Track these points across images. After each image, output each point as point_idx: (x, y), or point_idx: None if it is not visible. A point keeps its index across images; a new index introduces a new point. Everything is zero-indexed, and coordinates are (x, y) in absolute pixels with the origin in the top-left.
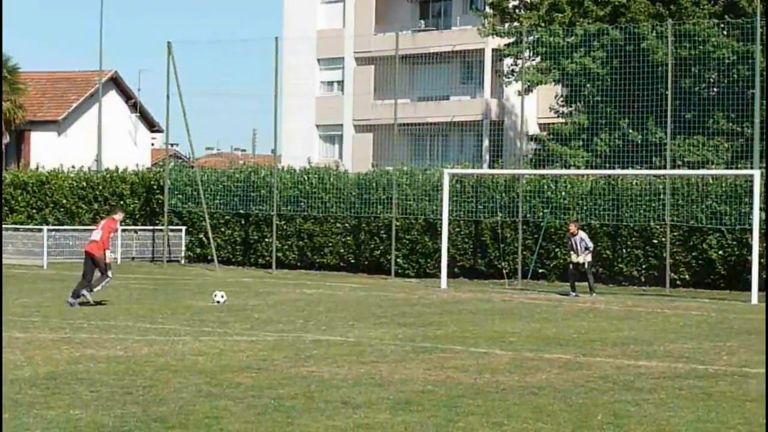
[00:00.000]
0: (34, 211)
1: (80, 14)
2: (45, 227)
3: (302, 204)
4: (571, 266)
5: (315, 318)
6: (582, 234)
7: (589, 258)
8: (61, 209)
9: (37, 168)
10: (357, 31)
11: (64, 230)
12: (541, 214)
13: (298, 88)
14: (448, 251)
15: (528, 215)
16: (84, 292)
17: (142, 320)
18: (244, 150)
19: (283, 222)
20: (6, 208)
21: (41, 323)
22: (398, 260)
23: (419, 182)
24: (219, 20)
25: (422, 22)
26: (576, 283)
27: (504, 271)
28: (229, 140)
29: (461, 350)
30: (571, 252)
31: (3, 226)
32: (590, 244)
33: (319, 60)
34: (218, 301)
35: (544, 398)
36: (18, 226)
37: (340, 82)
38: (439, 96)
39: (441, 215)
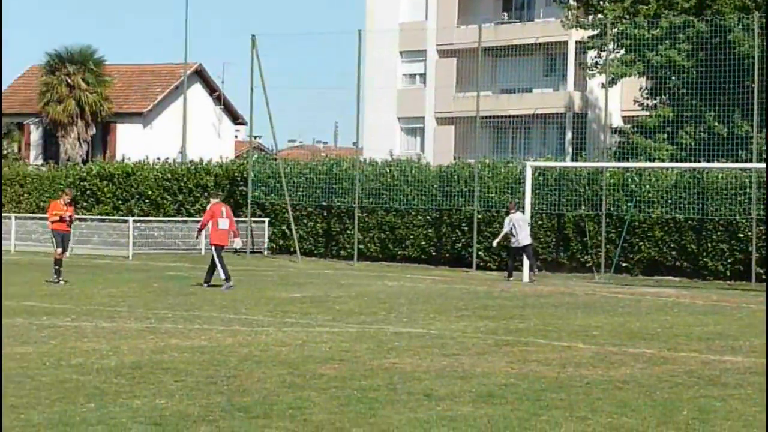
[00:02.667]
0: (120, 202)
1: (166, 7)
2: (130, 218)
3: (384, 196)
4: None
5: (397, 310)
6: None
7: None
8: (146, 200)
9: (122, 160)
10: (439, 23)
11: (149, 221)
12: (625, 207)
13: (381, 80)
14: (531, 244)
15: (612, 208)
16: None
17: (225, 311)
18: (326, 142)
19: (364, 214)
20: (92, 199)
21: (127, 313)
22: (479, 253)
23: (501, 175)
24: (303, 14)
25: (505, 14)
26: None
27: (588, 265)
28: (312, 133)
29: (544, 344)
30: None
31: (89, 217)
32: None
33: (401, 53)
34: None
35: (628, 393)
36: (104, 217)
37: (422, 75)
38: (522, 88)
39: (524, 208)
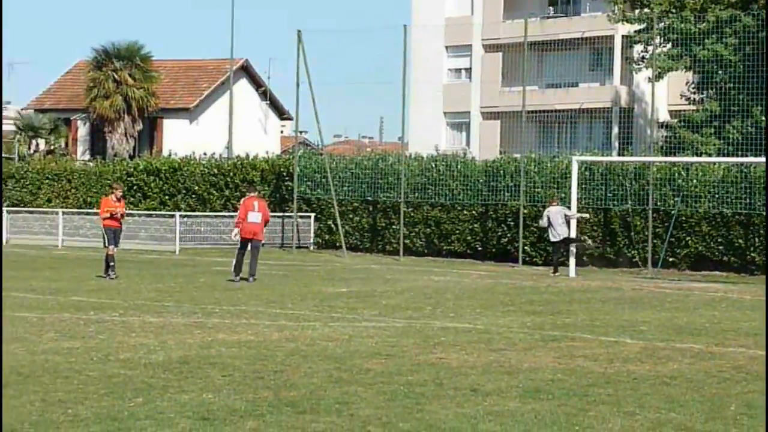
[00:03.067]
0: (167, 197)
1: (212, 3)
2: (177, 213)
3: (429, 191)
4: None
5: (443, 305)
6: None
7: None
8: (193, 196)
9: (169, 155)
10: (485, 18)
11: (196, 216)
12: (672, 202)
13: (426, 75)
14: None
15: (658, 203)
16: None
17: (272, 305)
18: (372, 137)
19: (410, 209)
20: (139, 194)
21: (174, 308)
22: (526, 248)
23: (547, 170)
24: (349, 9)
25: (551, 8)
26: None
27: (635, 260)
28: (357, 128)
29: (591, 339)
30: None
31: (136, 212)
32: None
33: (447, 47)
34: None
35: (676, 388)
36: (151, 212)
37: (468, 70)
38: (568, 83)
39: (569, 203)
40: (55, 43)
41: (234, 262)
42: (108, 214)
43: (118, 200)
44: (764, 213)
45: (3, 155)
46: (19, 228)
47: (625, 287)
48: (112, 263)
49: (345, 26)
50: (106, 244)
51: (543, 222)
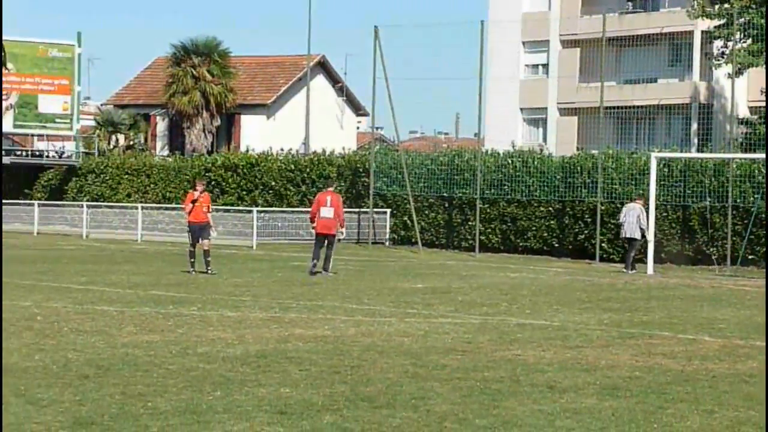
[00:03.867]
0: (244, 192)
1: None
2: (255, 209)
3: (506, 187)
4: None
5: (519, 302)
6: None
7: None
8: (270, 191)
9: (247, 150)
10: (563, 13)
11: (273, 212)
12: (752, 199)
13: (503, 71)
14: (655, 236)
15: (738, 200)
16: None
17: (348, 301)
18: (448, 133)
19: (486, 205)
20: (217, 190)
21: (251, 303)
22: (603, 245)
23: (625, 166)
24: (426, 5)
25: (629, 3)
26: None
27: (714, 257)
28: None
29: (669, 336)
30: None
31: (214, 207)
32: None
33: (524, 43)
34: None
35: (755, 386)
36: (228, 207)
37: (545, 65)
38: (647, 79)
39: (648, 200)
40: (134, 40)
41: (312, 255)
42: (191, 207)
43: (201, 194)
44: None
45: (83, 150)
46: (99, 222)
47: (703, 284)
48: (208, 258)
49: (422, 22)
50: (190, 240)
51: (620, 219)
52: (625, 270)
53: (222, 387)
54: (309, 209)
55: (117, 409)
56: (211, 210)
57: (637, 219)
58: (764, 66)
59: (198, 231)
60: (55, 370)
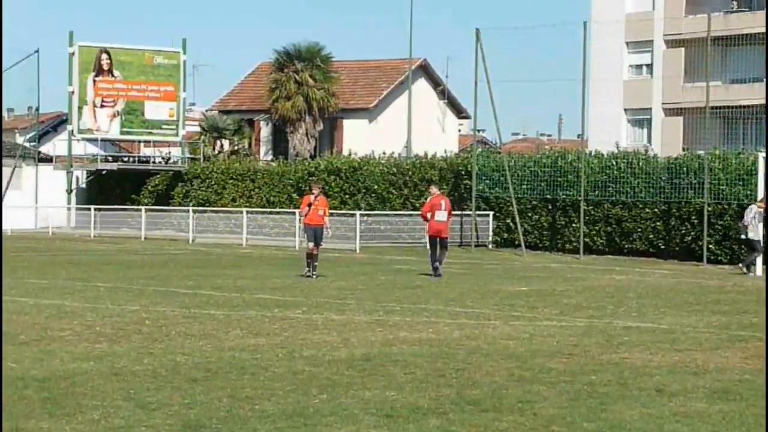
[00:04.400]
0: (347, 196)
1: (391, 3)
2: (357, 212)
3: (610, 189)
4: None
5: (625, 304)
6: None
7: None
8: (373, 195)
9: (349, 154)
10: (667, 13)
11: (376, 215)
12: None
13: (606, 72)
14: (764, 238)
15: None
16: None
17: (452, 304)
18: (550, 135)
19: (590, 207)
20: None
21: (356, 306)
22: (710, 246)
23: (732, 166)
24: (528, 6)
25: (734, 3)
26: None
27: None
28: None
29: None
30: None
31: None
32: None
33: (627, 43)
34: None
35: None
36: (332, 211)
37: (649, 66)
38: (753, 78)
39: (756, 200)
40: (238, 46)
41: (429, 260)
42: (306, 209)
43: (317, 198)
44: None
45: (188, 156)
46: (204, 227)
47: None
48: (315, 262)
49: (524, 24)
50: (307, 242)
51: (745, 219)
52: (744, 271)
53: (328, 390)
54: (411, 212)
55: (225, 412)
56: (328, 213)
57: (751, 220)
58: None
59: (313, 233)
60: (164, 374)
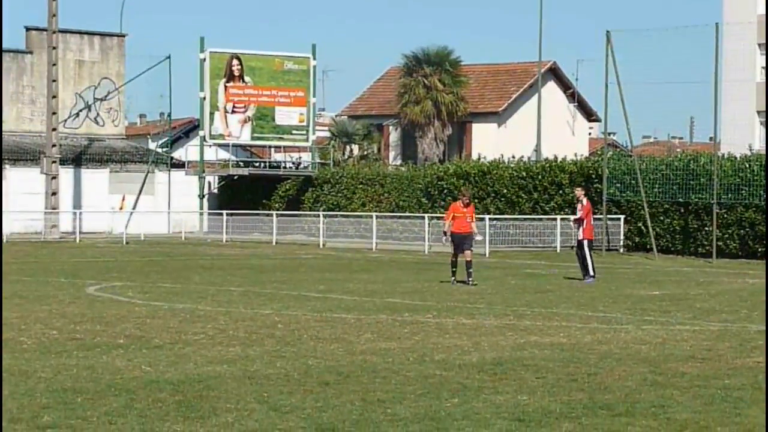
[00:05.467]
0: (476, 200)
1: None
2: (487, 216)
3: (743, 192)
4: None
5: (759, 308)
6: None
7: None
8: (502, 199)
9: (478, 158)
10: None
11: (505, 219)
12: None
13: (739, 73)
14: None
15: None
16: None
17: (583, 308)
18: (681, 138)
19: (723, 210)
20: (449, 198)
21: (486, 310)
22: None
23: None
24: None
25: None
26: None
27: None
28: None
29: None
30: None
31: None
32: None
33: (759, 45)
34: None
35: None
36: None
37: None
38: None
39: None
40: (367, 51)
41: (591, 263)
42: (450, 220)
43: (466, 206)
44: None
45: (318, 161)
46: (335, 231)
47: None
48: (470, 269)
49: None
50: (453, 250)
51: None
52: None
53: (459, 394)
54: (542, 217)
55: (357, 415)
56: (474, 219)
57: None
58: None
59: (460, 241)
60: (296, 377)
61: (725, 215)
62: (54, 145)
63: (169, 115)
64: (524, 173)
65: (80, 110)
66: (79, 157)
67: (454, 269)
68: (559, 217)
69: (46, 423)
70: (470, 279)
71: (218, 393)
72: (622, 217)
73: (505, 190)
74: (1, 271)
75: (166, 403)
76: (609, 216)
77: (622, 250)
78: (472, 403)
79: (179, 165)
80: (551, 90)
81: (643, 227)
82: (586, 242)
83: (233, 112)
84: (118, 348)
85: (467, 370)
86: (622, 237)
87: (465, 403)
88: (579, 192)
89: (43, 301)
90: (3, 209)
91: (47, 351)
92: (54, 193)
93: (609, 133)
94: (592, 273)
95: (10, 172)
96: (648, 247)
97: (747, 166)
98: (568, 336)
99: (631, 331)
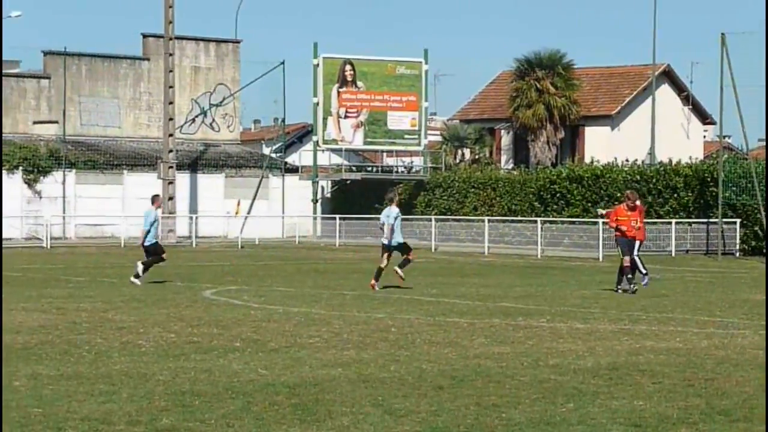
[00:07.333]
0: (589, 204)
1: (634, 9)
2: (600, 220)
3: None
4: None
5: None
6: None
7: None
8: (616, 202)
9: (591, 162)
10: None
11: None
12: None
13: None
14: None
15: None
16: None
17: (699, 313)
18: None
19: None
20: (562, 202)
21: (600, 314)
22: None
23: None
24: None
25: None
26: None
27: None
28: None
29: None
30: None
31: (560, 219)
32: None
33: None
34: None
35: None
36: (573, 219)
37: None
38: None
39: None
40: (478, 55)
41: (640, 265)
42: (615, 226)
43: (631, 210)
44: None
45: (430, 165)
46: (446, 236)
47: None
48: (629, 275)
49: None
50: (621, 255)
51: None
52: None
53: (575, 399)
54: (656, 221)
55: (472, 419)
56: (641, 222)
57: None
58: None
59: (627, 245)
60: (411, 381)
61: None
62: (171, 151)
63: (283, 120)
64: (638, 177)
65: (196, 116)
66: (195, 163)
67: (621, 276)
68: (674, 221)
69: (165, 426)
70: (633, 284)
71: (333, 396)
72: (738, 221)
73: (618, 194)
74: (2, 273)
75: (282, 406)
76: (725, 220)
77: (738, 255)
78: (588, 408)
79: (293, 170)
80: (665, 92)
81: (759, 231)
82: (637, 243)
83: (346, 117)
84: (234, 351)
85: (582, 374)
86: (738, 241)
87: (580, 408)
88: (633, 195)
89: (160, 304)
90: (59, 215)
91: (165, 354)
92: (171, 198)
93: (724, 136)
94: (644, 271)
95: (128, 178)
96: (765, 251)
97: None
98: (684, 341)
99: (749, 336)
